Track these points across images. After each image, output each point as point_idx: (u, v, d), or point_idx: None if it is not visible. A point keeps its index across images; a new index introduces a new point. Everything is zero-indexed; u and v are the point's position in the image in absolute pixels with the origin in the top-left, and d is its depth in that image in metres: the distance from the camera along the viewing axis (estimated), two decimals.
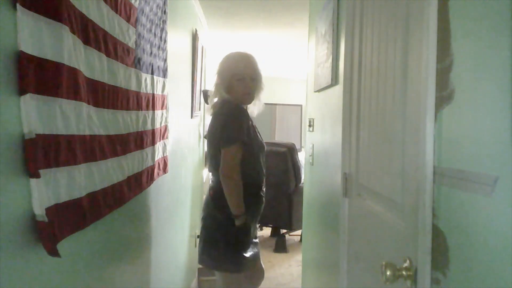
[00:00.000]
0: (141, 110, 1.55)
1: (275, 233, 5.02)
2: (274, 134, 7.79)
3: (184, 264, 3.01)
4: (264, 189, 2.29)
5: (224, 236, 2.15)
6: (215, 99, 2.26)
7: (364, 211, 1.38)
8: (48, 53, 0.81)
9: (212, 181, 2.28)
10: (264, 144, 2.31)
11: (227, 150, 2.06)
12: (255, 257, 2.30)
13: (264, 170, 2.28)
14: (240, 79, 2.17)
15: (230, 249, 2.15)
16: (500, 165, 0.65)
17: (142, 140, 1.56)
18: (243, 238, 2.19)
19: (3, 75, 0.72)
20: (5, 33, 0.72)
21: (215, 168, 2.14)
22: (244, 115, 2.17)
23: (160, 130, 1.87)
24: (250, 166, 2.15)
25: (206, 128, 4.37)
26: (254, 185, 2.21)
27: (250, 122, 2.20)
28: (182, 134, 2.81)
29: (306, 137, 2.82)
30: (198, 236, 3.73)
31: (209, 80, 4.70)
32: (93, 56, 1.07)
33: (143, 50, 1.58)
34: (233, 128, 2.09)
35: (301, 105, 7.65)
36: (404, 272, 0.93)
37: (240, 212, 2.09)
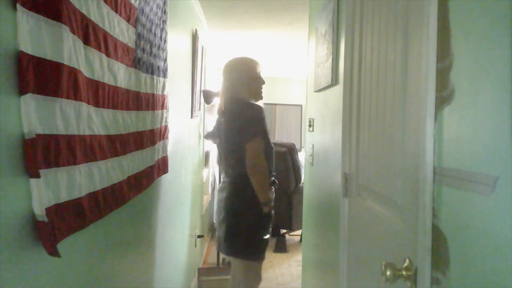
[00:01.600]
0: (141, 110, 1.55)
1: (275, 233, 5.02)
2: (274, 134, 7.79)
3: (184, 264, 3.01)
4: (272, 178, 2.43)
5: (253, 226, 2.29)
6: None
7: (364, 211, 1.38)
8: (48, 53, 0.81)
9: (229, 177, 2.35)
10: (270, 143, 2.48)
11: (253, 142, 2.18)
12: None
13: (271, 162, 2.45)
14: (255, 79, 2.38)
15: (257, 238, 2.31)
16: (500, 165, 0.65)
17: (142, 140, 1.56)
18: (267, 226, 2.34)
19: (3, 75, 0.72)
20: (5, 33, 0.72)
21: (236, 163, 2.25)
22: (262, 110, 2.33)
23: (160, 130, 1.87)
24: (268, 157, 2.29)
25: (206, 128, 4.39)
26: (269, 175, 2.34)
27: None
28: (182, 134, 2.81)
29: (306, 137, 2.82)
30: (198, 236, 3.75)
31: (209, 80, 4.70)
32: (93, 56, 1.07)
33: (143, 50, 1.58)
34: (256, 122, 2.24)
35: (301, 105, 7.65)
36: (404, 272, 0.93)
37: (268, 199, 2.24)
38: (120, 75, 1.29)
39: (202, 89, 3.88)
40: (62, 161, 0.87)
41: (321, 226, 2.25)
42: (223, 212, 2.35)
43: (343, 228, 1.59)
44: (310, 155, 2.62)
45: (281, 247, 4.72)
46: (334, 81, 1.87)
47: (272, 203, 2.31)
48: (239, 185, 2.28)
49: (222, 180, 2.49)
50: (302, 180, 4.45)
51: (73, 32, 0.92)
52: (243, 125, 2.23)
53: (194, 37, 3.29)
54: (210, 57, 4.90)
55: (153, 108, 1.73)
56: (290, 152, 4.67)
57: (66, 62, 0.88)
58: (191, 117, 3.20)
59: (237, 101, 2.32)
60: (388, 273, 0.93)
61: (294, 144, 4.87)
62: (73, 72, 0.92)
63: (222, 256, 4.17)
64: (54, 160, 0.84)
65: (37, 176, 0.78)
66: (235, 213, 2.30)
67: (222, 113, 2.39)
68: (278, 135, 7.81)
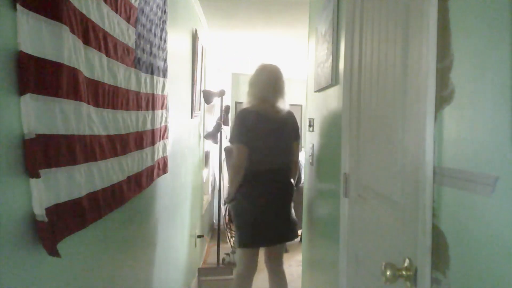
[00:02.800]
0: (141, 110, 1.55)
1: None
2: None
3: (184, 264, 3.01)
4: None
5: None
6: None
7: (364, 211, 1.38)
8: (48, 53, 0.81)
9: (280, 169, 2.59)
10: None
11: (298, 141, 2.70)
12: None
13: None
14: None
15: None
16: (500, 165, 0.65)
17: (142, 140, 1.56)
18: None
19: (3, 75, 0.72)
20: (5, 33, 0.72)
21: (289, 158, 2.62)
22: None
23: (160, 130, 1.87)
24: None
25: (206, 128, 4.39)
26: None
27: None
28: (182, 134, 2.81)
29: (306, 137, 2.82)
30: (198, 236, 3.75)
31: (209, 80, 4.70)
32: (93, 56, 1.07)
33: (143, 50, 1.58)
34: None
35: (301, 105, 7.64)
36: (404, 272, 0.93)
37: None
38: (120, 75, 1.29)
39: (202, 89, 3.88)
40: (62, 161, 0.87)
41: (321, 226, 2.25)
42: (287, 199, 2.63)
43: (343, 228, 1.59)
44: (310, 155, 2.62)
45: None
46: (334, 81, 1.87)
47: None
48: (289, 176, 2.66)
49: (264, 173, 2.52)
50: (302, 180, 4.44)
51: (73, 32, 0.92)
52: (297, 127, 2.69)
53: (194, 37, 3.29)
54: (210, 57, 4.90)
55: (153, 108, 1.73)
56: None
57: (66, 62, 0.88)
58: (191, 117, 3.20)
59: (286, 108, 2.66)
60: (388, 273, 0.93)
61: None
62: (73, 72, 0.92)
63: (222, 256, 4.17)
64: (54, 160, 0.84)
65: (37, 176, 0.78)
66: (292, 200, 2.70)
67: (285, 114, 2.58)
68: None
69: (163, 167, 1.94)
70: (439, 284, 0.84)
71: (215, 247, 4.12)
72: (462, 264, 0.76)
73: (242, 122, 2.47)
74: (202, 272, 3.60)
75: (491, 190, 0.67)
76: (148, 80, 1.65)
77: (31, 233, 0.80)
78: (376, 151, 1.26)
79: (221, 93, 3.96)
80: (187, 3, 2.96)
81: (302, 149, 3.92)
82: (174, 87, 2.38)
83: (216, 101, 4.06)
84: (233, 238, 4.10)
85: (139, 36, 1.51)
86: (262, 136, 2.48)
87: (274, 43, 4.90)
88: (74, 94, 0.93)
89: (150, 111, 1.68)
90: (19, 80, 0.75)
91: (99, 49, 1.11)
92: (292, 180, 2.70)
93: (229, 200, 2.57)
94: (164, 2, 1.93)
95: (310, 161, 2.61)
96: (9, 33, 0.73)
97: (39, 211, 0.79)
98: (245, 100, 2.63)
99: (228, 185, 2.57)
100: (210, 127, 4.30)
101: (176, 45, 2.46)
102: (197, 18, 3.55)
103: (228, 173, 2.59)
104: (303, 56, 4.63)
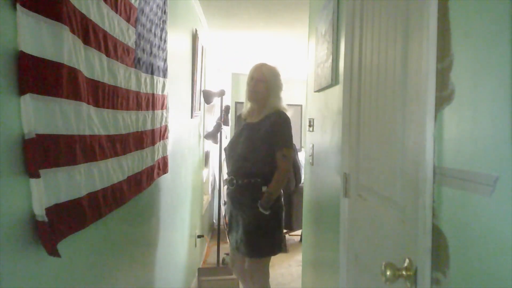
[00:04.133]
0: (141, 110, 1.55)
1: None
2: None
3: (184, 264, 3.01)
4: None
5: None
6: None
7: (364, 211, 1.38)
8: (48, 53, 0.81)
9: None
10: (229, 147, 2.76)
11: None
12: None
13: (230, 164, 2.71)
14: (247, 80, 2.71)
15: None
16: (500, 165, 0.65)
17: (142, 140, 1.56)
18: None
19: (3, 75, 0.72)
20: (5, 33, 0.72)
21: None
22: (239, 116, 2.83)
23: (160, 130, 1.87)
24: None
25: (206, 128, 4.39)
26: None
27: (241, 124, 2.72)
28: (182, 134, 2.81)
29: (306, 137, 2.83)
30: (198, 236, 3.75)
31: (209, 80, 4.70)
32: (93, 56, 1.07)
33: (143, 50, 1.58)
34: None
35: (301, 105, 7.64)
36: (404, 272, 0.93)
37: None
38: (120, 75, 1.29)
39: (202, 89, 3.88)
40: (62, 161, 0.87)
41: (321, 226, 2.25)
42: None
43: (343, 228, 1.59)
44: (310, 155, 2.63)
45: None
46: (334, 81, 1.87)
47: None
48: None
49: None
50: (302, 180, 4.45)
51: (73, 32, 0.92)
52: None
53: (194, 37, 3.28)
54: (210, 57, 4.90)
55: (153, 108, 1.73)
56: None
57: (66, 62, 0.88)
58: (191, 117, 3.20)
59: None
60: (388, 273, 0.93)
61: (294, 144, 4.86)
62: (73, 72, 0.92)
63: (222, 256, 4.17)
64: (54, 160, 0.84)
65: (37, 176, 0.78)
66: None
67: None
68: None
69: (163, 167, 1.94)
70: (439, 284, 0.84)
71: (215, 247, 4.12)
72: (462, 264, 0.76)
73: (290, 126, 2.63)
74: (202, 272, 3.60)
75: (491, 190, 0.67)
76: (148, 80, 1.65)
77: (31, 233, 0.80)
78: (376, 151, 1.26)
79: (221, 93, 3.96)
80: (187, 3, 2.96)
81: (302, 149, 3.92)
82: (174, 87, 2.38)
83: (216, 101, 4.05)
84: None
85: (139, 36, 1.51)
86: None
87: (274, 43, 4.90)
88: (74, 94, 0.93)
89: (150, 111, 1.68)
90: (19, 80, 0.75)
91: (99, 49, 1.11)
92: None
93: (269, 206, 2.45)
94: (164, 2, 1.93)
95: (310, 161, 2.61)
96: (9, 33, 0.73)
97: (39, 211, 0.79)
98: (281, 103, 2.67)
99: (270, 190, 2.45)
100: (210, 127, 4.30)
101: (176, 45, 2.46)
102: (197, 18, 3.55)
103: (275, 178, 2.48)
104: (303, 56, 4.63)
